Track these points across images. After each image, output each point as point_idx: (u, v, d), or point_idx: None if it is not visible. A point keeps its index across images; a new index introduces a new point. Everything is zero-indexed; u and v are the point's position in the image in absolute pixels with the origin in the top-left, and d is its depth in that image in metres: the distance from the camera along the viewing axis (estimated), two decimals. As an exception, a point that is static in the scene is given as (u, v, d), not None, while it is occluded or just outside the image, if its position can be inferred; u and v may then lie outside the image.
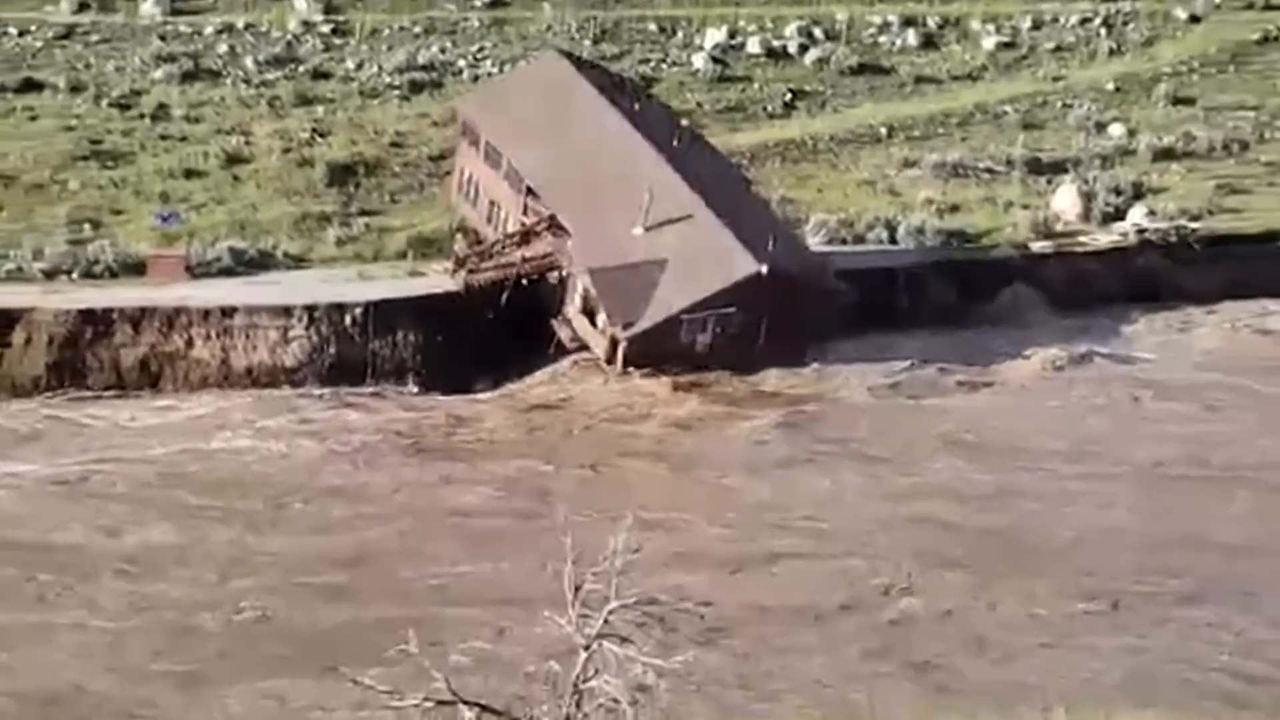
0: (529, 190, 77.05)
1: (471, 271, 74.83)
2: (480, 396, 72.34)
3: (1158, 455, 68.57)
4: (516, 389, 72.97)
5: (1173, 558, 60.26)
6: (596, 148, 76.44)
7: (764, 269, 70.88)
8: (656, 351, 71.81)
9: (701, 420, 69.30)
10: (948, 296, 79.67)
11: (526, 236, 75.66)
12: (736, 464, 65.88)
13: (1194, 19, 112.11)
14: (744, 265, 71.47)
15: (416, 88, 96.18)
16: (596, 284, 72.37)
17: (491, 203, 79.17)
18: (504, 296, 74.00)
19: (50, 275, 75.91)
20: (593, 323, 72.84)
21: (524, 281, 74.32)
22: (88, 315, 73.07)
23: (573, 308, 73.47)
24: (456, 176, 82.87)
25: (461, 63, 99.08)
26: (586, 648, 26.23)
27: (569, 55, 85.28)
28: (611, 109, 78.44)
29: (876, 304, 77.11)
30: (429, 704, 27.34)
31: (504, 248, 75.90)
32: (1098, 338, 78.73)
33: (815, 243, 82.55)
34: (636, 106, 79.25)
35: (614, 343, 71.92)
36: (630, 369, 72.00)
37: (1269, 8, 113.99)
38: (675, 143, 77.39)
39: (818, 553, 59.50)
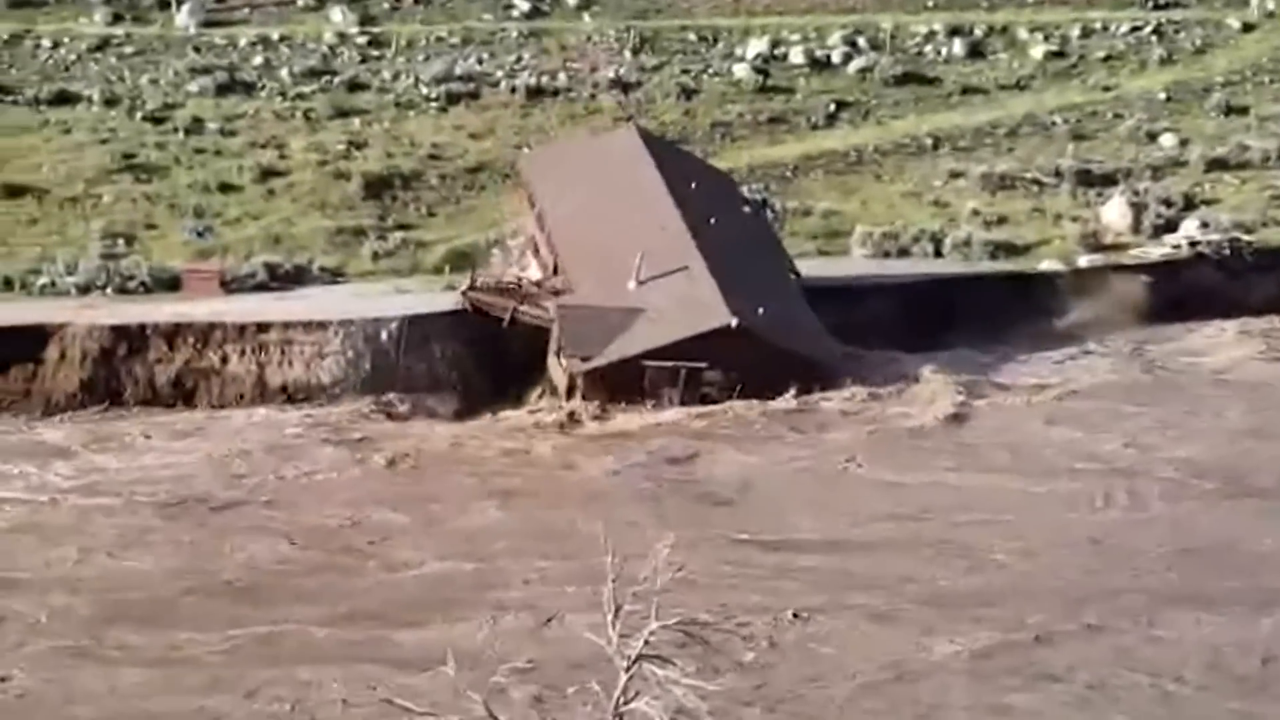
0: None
1: (474, 291, 74.73)
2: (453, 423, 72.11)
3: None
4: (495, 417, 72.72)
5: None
6: (628, 215, 75.99)
7: (733, 323, 70.13)
8: (614, 394, 71.28)
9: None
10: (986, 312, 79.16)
11: (536, 285, 75.46)
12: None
13: (1247, 27, 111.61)
14: (714, 317, 70.81)
15: (454, 99, 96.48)
16: (560, 319, 72.43)
17: (532, 252, 78.86)
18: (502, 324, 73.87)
19: (84, 290, 76.38)
20: (560, 363, 72.75)
21: (514, 319, 73.98)
22: (121, 331, 73.49)
23: (551, 349, 73.20)
24: (515, 227, 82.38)
25: (499, 74, 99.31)
26: (627, 669, 26.22)
27: (644, 132, 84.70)
28: (659, 180, 77.81)
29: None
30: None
31: (514, 286, 75.57)
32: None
33: (860, 254, 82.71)
34: (693, 185, 78.53)
35: (571, 380, 71.77)
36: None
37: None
38: (713, 220, 76.48)
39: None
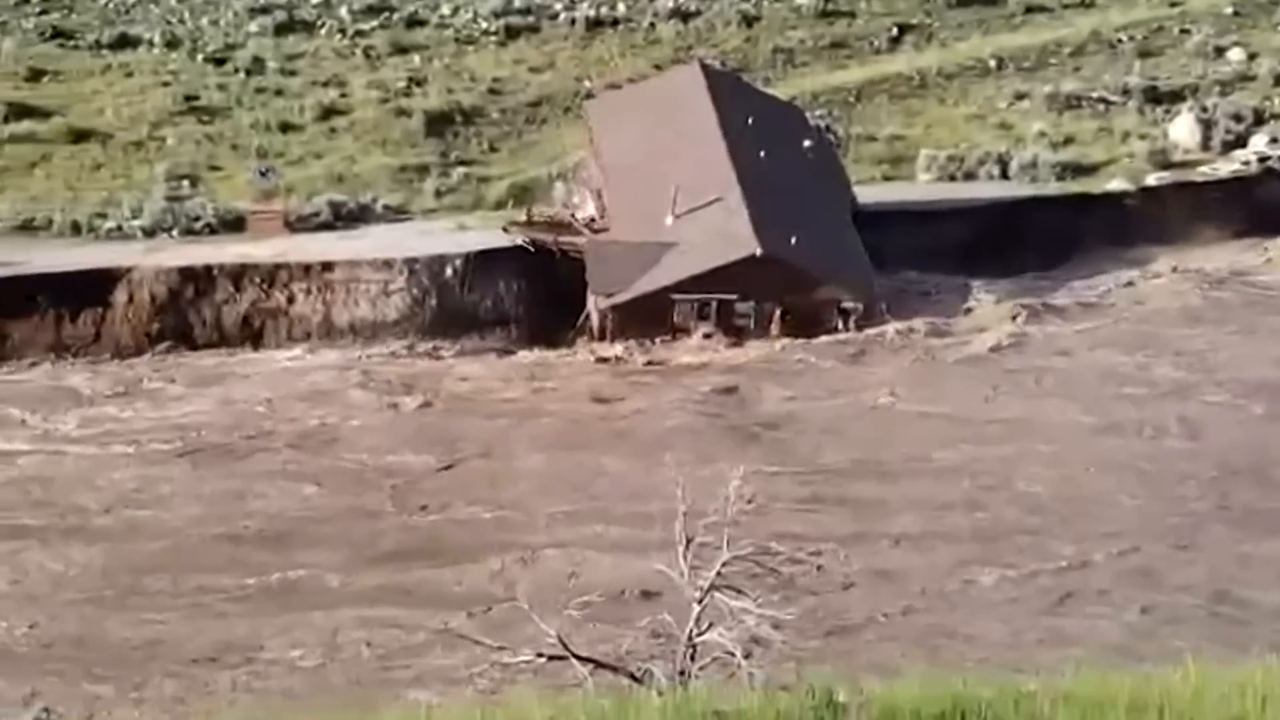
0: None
1: (521, 226, 74.93)
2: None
3: None
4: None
5: None
6: (678, 152, 75.82)
7: (758, 251, 70.12)
8: (642, 329, 71.28)
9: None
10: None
11: (587, 222, 75.61)
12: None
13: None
14: (742, 247, 70.76)
15: (513, 33, 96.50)
16: (588, 256, 72.68)
17: (592, 192, 78.89)
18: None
19: (150, 233, 77.03)
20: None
21: (565, 254, 74.16)
22: (188, 272, 74.10)
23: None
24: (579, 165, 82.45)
25: (558, 6, 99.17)
26: (699, 600, 26.29)
27: (708, 68, 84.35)
28: (713, 116, 77.60)
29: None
30: (540, 659, 27.39)
31: (561, 221, 75.79)
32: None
33: (925, 179, 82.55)
34: (749, 120, 78.16)
35: (601, 316, 72.02)
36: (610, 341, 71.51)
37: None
38: (763, 153, 76.01)
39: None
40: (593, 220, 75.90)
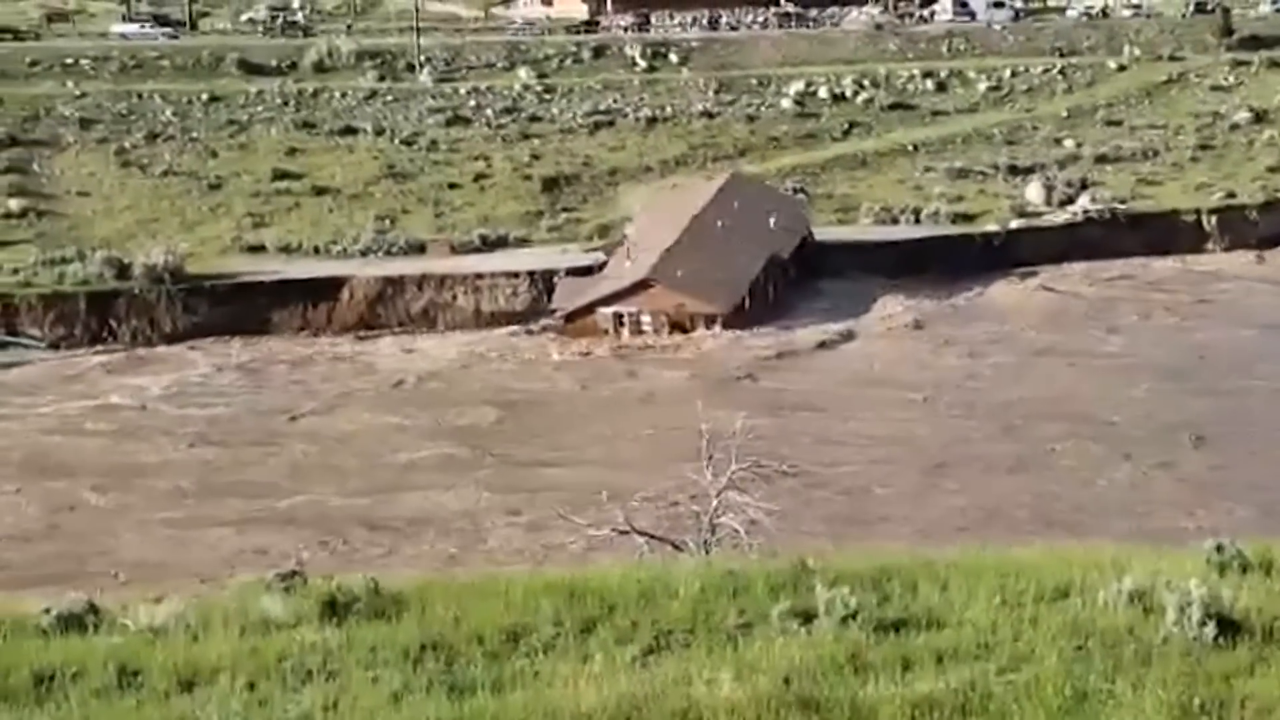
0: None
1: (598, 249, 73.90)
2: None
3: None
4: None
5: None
6: (668, 224, 73.40)
7: (645, 276, 67.53)
8: (580, 333, 68.80)
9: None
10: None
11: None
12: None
13: (1121, 68, 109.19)
14: (639, 275, 68.37)
15: (598, 126, 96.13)
16: (559, 284, 71.13)
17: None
18: None
19: (364, 254, 77.13)
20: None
21: None
22: (388, 279, 74.09)
23: None
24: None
25: (628, 108, 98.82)
26: (717, 495, 26.08)
27: (737, 176, 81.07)
28: (702, 203, 74.92)
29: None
30: (612, 533, 27.21)
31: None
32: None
33: (866, 222, 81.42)
34: (736, 204, 74.92)
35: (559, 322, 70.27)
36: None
37: (1172, 59, 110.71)
38: (720, 223, 72.86)
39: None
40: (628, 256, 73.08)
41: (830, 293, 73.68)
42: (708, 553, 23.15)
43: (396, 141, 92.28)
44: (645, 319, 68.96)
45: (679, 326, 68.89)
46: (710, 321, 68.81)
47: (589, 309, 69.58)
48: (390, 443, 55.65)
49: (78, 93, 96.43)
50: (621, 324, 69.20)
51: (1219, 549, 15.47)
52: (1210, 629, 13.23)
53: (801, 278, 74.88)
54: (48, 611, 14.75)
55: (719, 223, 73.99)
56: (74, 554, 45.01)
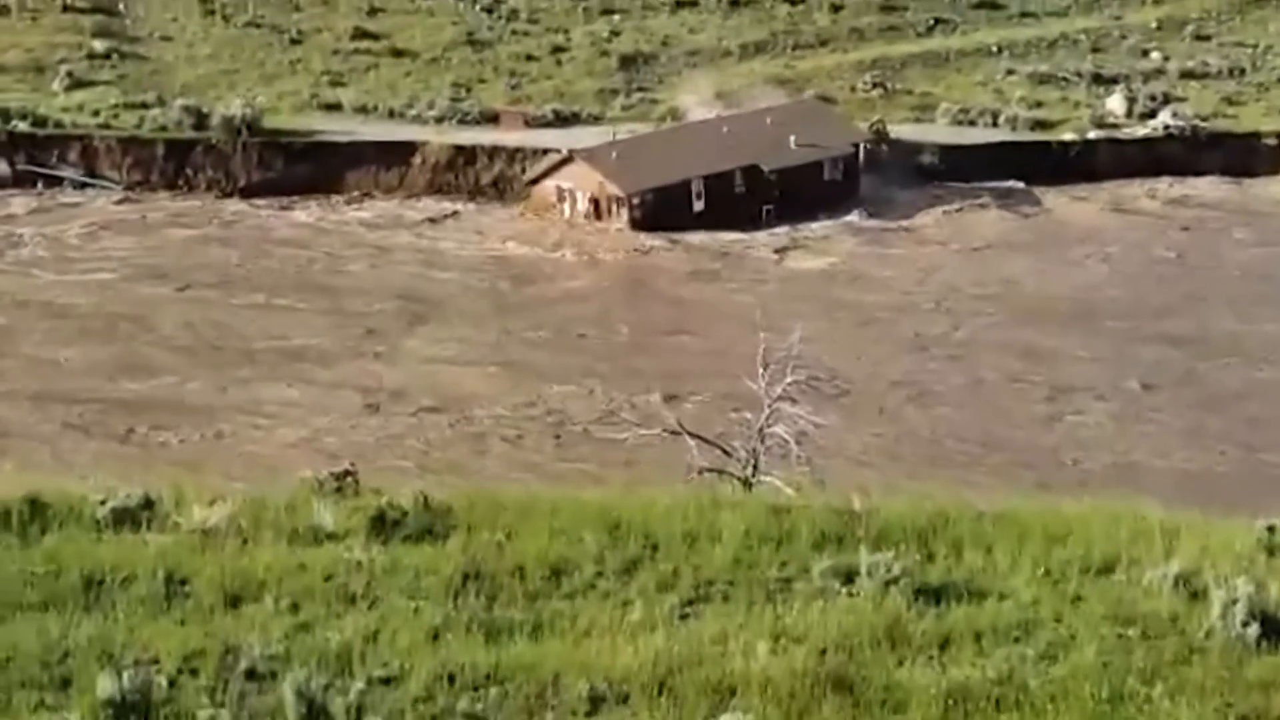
0: None
1: None
2: None
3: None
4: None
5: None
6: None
7: (569, 152, 67.66)
8: (539, 206, 69.27)
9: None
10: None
11: None
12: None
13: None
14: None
15: (680, 5, 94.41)
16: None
17: None
18: None
19: (438, 121, 76.95)
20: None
21: None
22: (460, 149, 74.00)
23: None
24: None
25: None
26: (769, 404, 26.04)
27: (802, 101, 78.89)
28: (745, 113, 74.21)
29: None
30: (666, 433, 27.42)
31: None
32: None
33: (943, 123, 79.74)
34: (768, 120, 72.76)
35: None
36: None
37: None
38: (725, 129, 71.65)
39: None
40: None
41: (870, 200, 71.84)
42: (756, 465, 23.40)
43: (478, 8, 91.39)
44: (579, 195, 68.56)
45: (600, 211, 68.19)
46: (620, 205, 67.89)
47: (537, 180, 69.64)
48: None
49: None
50: (563, 199, 69.08)
51: (1270, 530, 15.14)
52: (1254, 629, 12.94)
53: (846, 188, 72.50)
54: (103, 503, 14.74)
55: (724, 130, 71.92)
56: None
